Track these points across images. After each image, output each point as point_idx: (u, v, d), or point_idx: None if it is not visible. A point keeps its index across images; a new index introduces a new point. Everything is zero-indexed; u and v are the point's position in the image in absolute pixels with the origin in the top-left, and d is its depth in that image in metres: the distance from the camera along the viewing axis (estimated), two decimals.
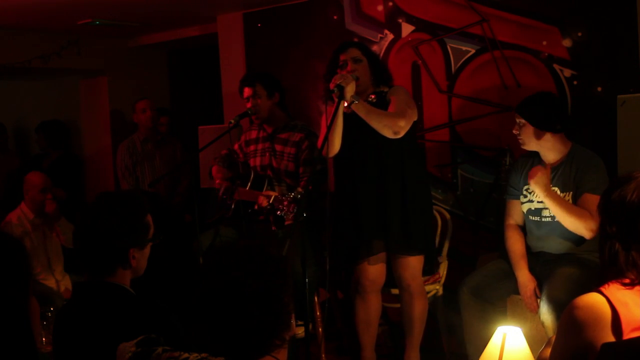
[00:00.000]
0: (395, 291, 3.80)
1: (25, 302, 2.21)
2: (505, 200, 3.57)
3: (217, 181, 4.11)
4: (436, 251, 3.85)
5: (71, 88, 6.70)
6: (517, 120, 3.38)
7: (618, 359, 1.80)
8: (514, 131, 3.41)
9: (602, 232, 1.98)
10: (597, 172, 3.24)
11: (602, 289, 1.89)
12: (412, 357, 3.72)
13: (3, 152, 6.12)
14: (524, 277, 3.34)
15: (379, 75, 3.63)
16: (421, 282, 3.69)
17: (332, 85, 3.40)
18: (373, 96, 3.58)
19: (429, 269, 3.78)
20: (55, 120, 6.42)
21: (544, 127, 3.30)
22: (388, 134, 3.43)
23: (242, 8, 5.23)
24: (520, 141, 3.40)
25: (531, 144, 3.36)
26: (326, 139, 3.26)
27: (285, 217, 3.52)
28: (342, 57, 3.58)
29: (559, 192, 3.31)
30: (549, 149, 3.35)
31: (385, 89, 3.62)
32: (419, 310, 3.66)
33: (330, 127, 3.30)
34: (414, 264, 3.60)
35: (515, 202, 3.48)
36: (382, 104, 3.55)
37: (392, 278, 3.71)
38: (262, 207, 3.76)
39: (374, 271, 3.66)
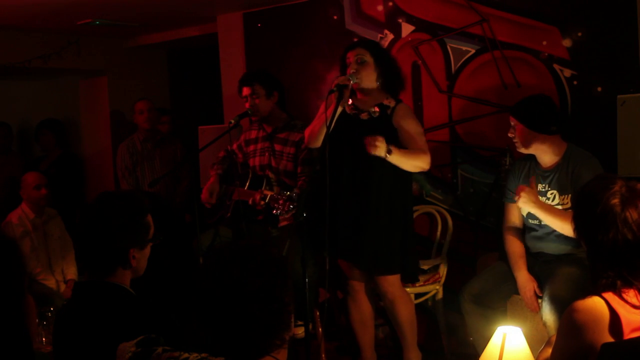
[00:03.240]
0: None
1: (20, 301, 2.21)
2: (504, 204, 3.57)
3: (202, 197, 4.12)
4: (414, 268, 3.71)
5: (71, 88, 6.70)
6: (512, 124, 3.38)
7: (618, 359, 1.80)
8: (509, 134, 3.41)
9: (595, 270, 1.95)
10: (594, 172, 3.22)
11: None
12: (412, 357, 3.71)
13: (6, 153, 6.12)
14: (523, 278, 3.34)
15: (389, 81, 3.56)
16: (399, 286, 3.63)
17: (332, 85, 3.41)
18: (377, 109, 3.53)
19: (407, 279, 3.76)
20: (56, 119, 6.42)
21: (538, 129, 3.30)
22: (415, 171, 3.50)
23: (242, 8, 5.22)
24: (516, 144, 3.39)
25: (527, 146, 3.35)
26: (326, 133, 3.25)
27: (280, 216, 3.50)
28: (348, 55, 3.56)
29: (557, 195, 3.31)
30: (545, 151, 3.35)
31: (391, 104, 3.54)
32: (404, 315, 3.63)
33: (329, 126, 3.29)
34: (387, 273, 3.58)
35: (514, 205, 3.48)
36: (383, 119, 3.51)
37: None
38: (256, 203, 3.73)
39: (359, 271, 3.66)
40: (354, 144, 3.47)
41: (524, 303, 3.35)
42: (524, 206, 3.29)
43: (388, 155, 3.32)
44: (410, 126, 3.51)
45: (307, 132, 3.64)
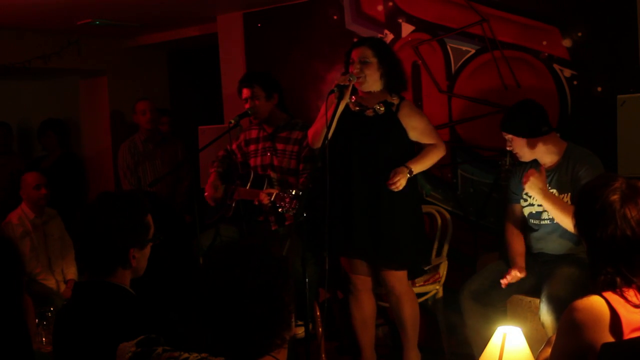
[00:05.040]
0: (379, 289, 3.79)
1: (20, 301, 2.21)
2: (506, 204, 3.57)
3: (206, 194, 4.12)
4: (421, 263, 3.76)
5: (71, 88, 6.70)
6: (507, 138, 3.40)
7: (618, 359, 1.80)
8: (508, 147, 3.43)
9: (594, 267, 1.95)
10: (594, 169, 3.23)
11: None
12: (412, 357, 3.71)
13: (7, 153, 6.12)
14: (517, 266, 3.36)
15: (392, 81, 3.57)
16: (407, 284, 3.65)
17: (333, 85, 3.41)
18: (382, 108, 3.54)
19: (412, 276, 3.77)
20: (59, 119, 6.42)
21: (531, 135, 3.31)
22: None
23: (242, 8, 5.23)
24: (517, 155, 3.42)
25: (527, 154, 3.37)
26: (327, 133, 3.25)
27: (286, 213, 3.51)
28: (353, 53, 3.56)
29: (556, 194, 3.32)
30: (545, 152, 3.36)
31: (395, 100, 3.57)
32: (408, 312, 3.64)
33: (330, 125, 3.30)
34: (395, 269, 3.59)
35: (516, 206, 3.49)
36: (389, 116, 3.53)
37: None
38: (263, 204, 3.76)
39: (363, 269, 3.66)
40: (361, 140, 3.51)
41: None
42: (530, 189, 3.28)
43: (411, 175, 3.46)
44: (419, 123, 3.57)
45: (310, 132, 3.64)
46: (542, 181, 3.26)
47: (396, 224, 3.51)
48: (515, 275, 3.33)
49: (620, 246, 1.88)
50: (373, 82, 3.53)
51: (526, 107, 3.39)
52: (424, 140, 3.58)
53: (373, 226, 3.50)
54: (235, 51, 5.34)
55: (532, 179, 3.25)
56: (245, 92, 4.07)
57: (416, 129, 3.55)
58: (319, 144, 3.54)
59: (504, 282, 3.34)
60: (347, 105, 3.52)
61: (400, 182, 3.41)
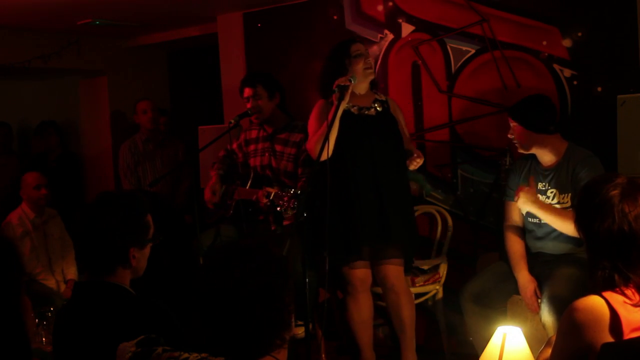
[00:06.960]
0: (377, 289, 3.79)
1: (18, 302, 2.21)
2: (504, 202, 3.57)
3: (206, 198, 4.13)
4: (412, 253, 3.81)
5: (71, 88, 6.70)
6: (511, 125, 3.39)
7: (618, 359, 1.80)
8: (509, 135, 3.42)
9: (592, 262, 1.95)
10: (593, 170, 3.23)
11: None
12: (410, 357, 3.71)
13: (7, 153, 6.12)
14: (524, 278, 3.34)
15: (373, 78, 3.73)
16: (405, 282, 3.68)
17: (333, 86, 3.41)
18: (380, 107, 3.65)
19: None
20: (52, 121, 6.41)
21: (537, 130, 3.31)
22: None
23: (242, 8, 5.22)
24: (516, 145, 3.41)
25: (527, 147, 3.37)
26: (327, 139, 3.23)
27: (284, 212, 3.51)
28: (355, 48, 3.59)
29: (557, 194, 3.32)
30: (545, 150, 3.36)
31: (383, 97, 3.73)
32: (407, 310, 3.65)
33: (330, 128, 3.29)
34: (396, 264, 3.61)
35: (514, 204, 3.48)
36: (386, 112, 3.66)
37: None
38: (261, 202, 3.75)
39: (362, 270, 3.66)
40: (374, 139, 3.57)
41: (524, 303, 3.36)
42: (523, 206, 3.30)
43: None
44: (402, 118, 3.78)
45: (311, 142, 3.56)
46: (533, 194, 3.26)
47: (402, 210, 3.59)
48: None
49: (617, 241, 1.88)
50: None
51: (540, 102, 3.39)
52: (404, 135, 3.71)
53: (380, 210, 3.53)
54: (235, 51, 5.34)
55: (522, 195, 3.27)
56: (247, 91, 4.07)
57: (401, 122, 3.71)
58: (318, 150, 3.34)
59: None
60: (348, 110, 3.54)
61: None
